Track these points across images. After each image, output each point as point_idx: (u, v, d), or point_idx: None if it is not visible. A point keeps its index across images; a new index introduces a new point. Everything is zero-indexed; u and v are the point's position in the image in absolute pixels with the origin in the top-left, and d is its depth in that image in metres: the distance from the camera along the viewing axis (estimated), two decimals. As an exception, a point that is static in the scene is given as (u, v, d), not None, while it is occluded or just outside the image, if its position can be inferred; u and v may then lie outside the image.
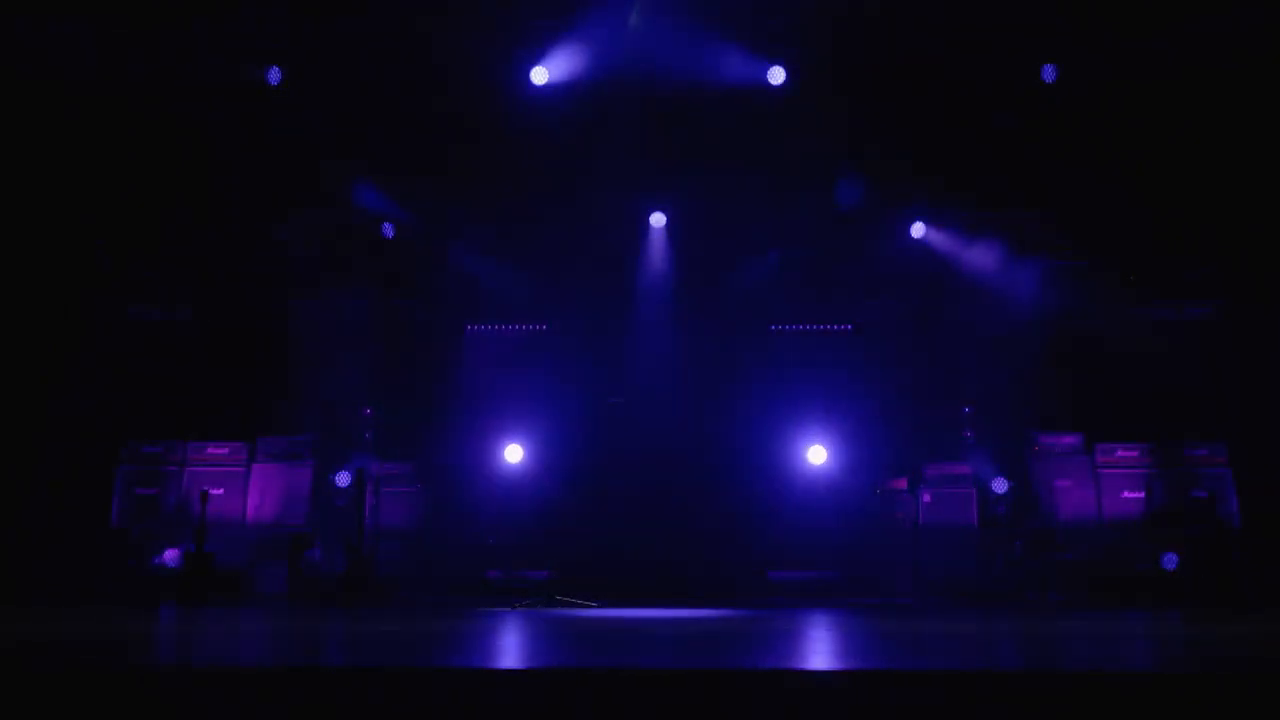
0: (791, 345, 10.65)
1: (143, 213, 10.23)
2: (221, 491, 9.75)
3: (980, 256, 10.44)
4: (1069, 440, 9.93)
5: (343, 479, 9.61)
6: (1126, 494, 9.62)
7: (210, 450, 10.05)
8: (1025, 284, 10.36)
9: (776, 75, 9.68)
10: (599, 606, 8.27)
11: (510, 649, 4.94)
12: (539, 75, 9.77)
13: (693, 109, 9.68)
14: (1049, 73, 9.61)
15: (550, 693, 3.66)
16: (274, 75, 9.86)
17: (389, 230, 10.77)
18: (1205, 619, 6.98)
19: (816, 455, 9.99)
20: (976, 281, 10.46)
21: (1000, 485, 9.62)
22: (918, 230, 10.59)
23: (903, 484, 9.88)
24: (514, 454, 9.77)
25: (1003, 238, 10.37)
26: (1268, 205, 9.61)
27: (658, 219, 10.69)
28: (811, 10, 9.17)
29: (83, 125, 9.66)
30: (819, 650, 4.91)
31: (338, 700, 3.63)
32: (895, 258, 10.60)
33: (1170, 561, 8.99)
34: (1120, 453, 9.80)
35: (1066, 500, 9.73)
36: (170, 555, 9.26)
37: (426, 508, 9.92)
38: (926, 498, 9.82)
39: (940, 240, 10.59)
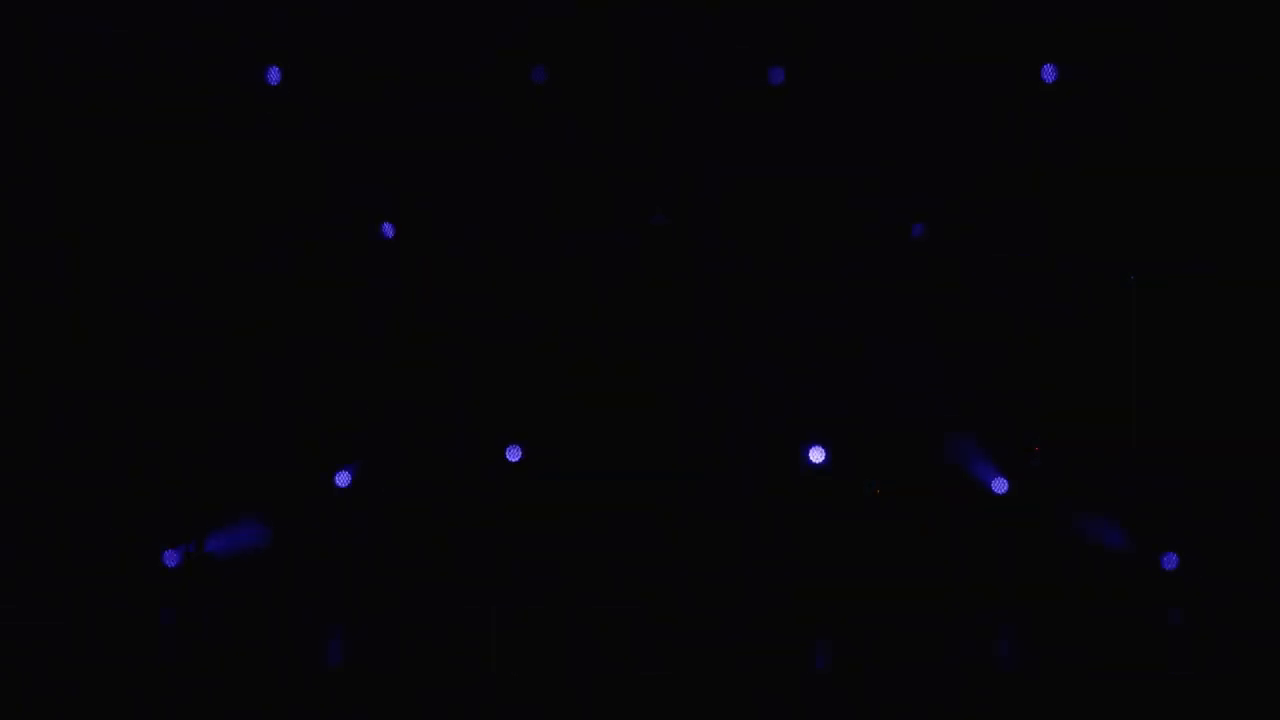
0: (792, 345, 10.65)
1: (140, 208, 10.23)
2: (222, 491, 9.74)
3: (978, 252, 10.45)
4: (1068, 440, 9.92)
5: (343, 479, 9.62)
6: (1127, 494, 9.61)
7: (210, 450, 10.04)
8: (1024, 283, 10.37)
9: (776, 75, 9.72)
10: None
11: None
12: (538, 75, 9.78)
13: (693, 108, 9.72)
14: (1049, 72, 9.65)
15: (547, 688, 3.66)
16: (274, 75, 9.89)
17: (389, 230, 10.80)
18: (1206, 618, 6.98)
19: (816, 455, 9.99)
20: (976, 279, 10.46)
21: (1000, 485, 9.62)
22: (917, 229, 10.59)
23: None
24: (513, 454, 9.80)
25: (1003, 235, 10.37)
26: (1267, 204, 9.62)
27: (658, 219, 10.70)
28: (811, 9, 9.22)
29: (80, 117, 9.71)
30: (818, 650, 4.92)
31: (338, 700, 3.64)
32: (894, 255, 10.59)
33: (1170, 561, 9.00)
34: (1120, 452, 9.79)
35: (1066, 500, 9.72)
36: (170, 555, 9.28)
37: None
38: (926, 497, 9.81)
39: (940, 237, 10.59)
